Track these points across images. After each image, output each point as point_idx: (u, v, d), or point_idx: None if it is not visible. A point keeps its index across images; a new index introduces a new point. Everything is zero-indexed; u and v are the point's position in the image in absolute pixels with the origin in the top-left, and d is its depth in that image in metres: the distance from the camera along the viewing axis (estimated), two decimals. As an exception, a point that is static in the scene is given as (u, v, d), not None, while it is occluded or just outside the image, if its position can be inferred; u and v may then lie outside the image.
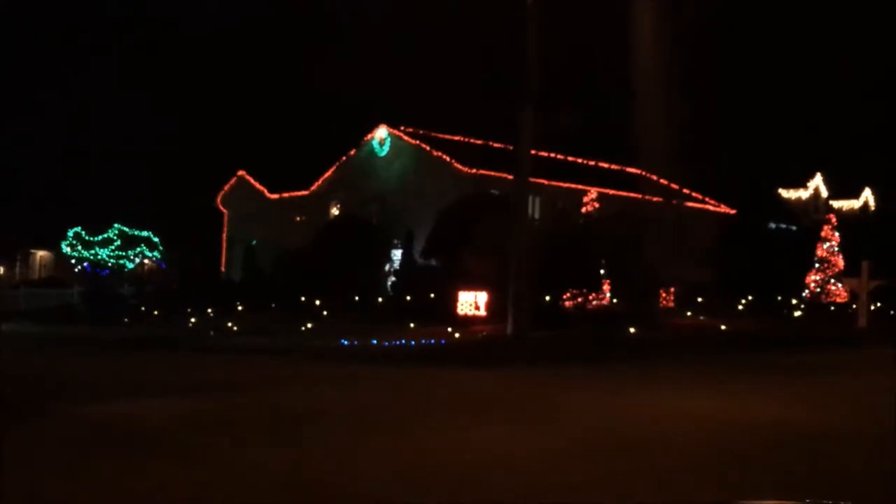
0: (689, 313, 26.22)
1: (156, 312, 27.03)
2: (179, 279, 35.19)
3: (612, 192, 32.29)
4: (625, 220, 26.00)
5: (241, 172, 41.94)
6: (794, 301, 30.23)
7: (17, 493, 6.05)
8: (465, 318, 21.70)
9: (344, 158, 37.31)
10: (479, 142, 37.37)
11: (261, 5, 64.78)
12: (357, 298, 27.30)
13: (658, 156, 28.23)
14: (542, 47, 18.58)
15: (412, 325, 21.00)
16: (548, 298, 24.62)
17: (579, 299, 25.66)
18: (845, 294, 29.94)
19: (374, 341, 18.12)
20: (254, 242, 36.74)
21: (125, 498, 6.18)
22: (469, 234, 23.84)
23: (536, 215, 27.86)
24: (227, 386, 12.55)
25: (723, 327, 22.79)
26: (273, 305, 25.89)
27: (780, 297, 30.80)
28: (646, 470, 6.99)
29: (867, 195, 44.48)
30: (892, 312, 27.43)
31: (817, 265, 31.41)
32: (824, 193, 44.71)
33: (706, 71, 45.16)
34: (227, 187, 42.63)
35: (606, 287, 26.25)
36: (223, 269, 40.05)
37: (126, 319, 25.71)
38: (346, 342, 18.23)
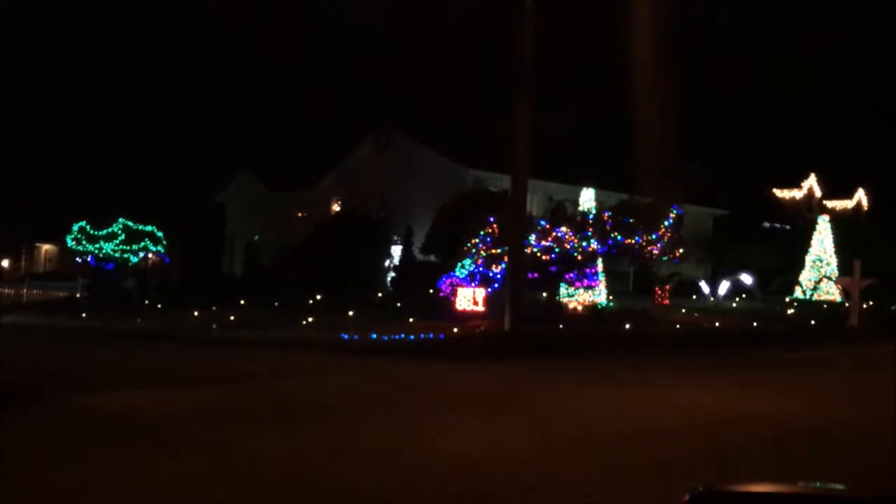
0: (683, 310, 26.58)
1: (159, 306, 27.33)
2: (182, 274, 35.50)
3: (609, 191, 32.58)
4: (621, 217, 26.29)
5: (244, 169, 42.21)
6: (787, 299, 30.63)
7: (16, 481, 6.10)
8: (464, 313, 21.78)
9: (345, 156, 37.60)
10: (478, 140, 37.67)
11: (264, 4, 65.04)
12: (357, 293, 27.64)
13: (655, 155, 28.59)
14: (539, 45, 18.82)
15: (411, 319, 21.13)
16: (545, 294, 24.96)
17: (577, 295, 26.02)
18: (838, 292, 30.33)
19: (374, 335, 18.27)
20: (255, 238, 37.11)
21: (122, 488, 6.25)
22: (467, 230, 24.11)
23: (534, 213, 28.18)
24: (227, 378, 12.67)
25: (717, 324, 23.14)
26: (274, 300, 26.18)
27: (773, 295, 31.25)
28: (638, 462, 7.26)
29: (860, 195, 44.68)
30: (883, 311, 27.79)
31: (810, 264, 31.78)
32: (818, 193, 44.89)
33: (703, 72, 45.52)
34: (229, 184, 42.91)
35: (603, 283, 26.64)
36: (225, 264, 40.35)
37: (129, 313, 25.94)
38: (345, 336, 18.37)
